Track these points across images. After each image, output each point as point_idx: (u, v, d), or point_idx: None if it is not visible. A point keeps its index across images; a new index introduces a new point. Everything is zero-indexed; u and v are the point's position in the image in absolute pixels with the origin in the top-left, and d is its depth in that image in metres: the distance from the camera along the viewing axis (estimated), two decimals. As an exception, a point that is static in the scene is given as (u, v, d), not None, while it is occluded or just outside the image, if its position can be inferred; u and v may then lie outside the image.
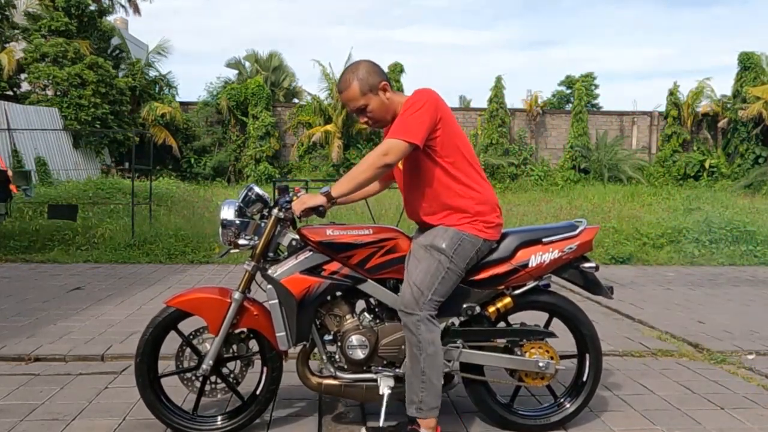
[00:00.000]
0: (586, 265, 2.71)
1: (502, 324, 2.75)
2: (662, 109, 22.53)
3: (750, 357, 3.95)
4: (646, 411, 2.98)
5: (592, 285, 2.73)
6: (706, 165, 21.19)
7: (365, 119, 2.53)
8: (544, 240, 2.63)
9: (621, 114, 22.74)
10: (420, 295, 2.42)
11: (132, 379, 3.24)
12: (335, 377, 2.60)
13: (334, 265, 2.54)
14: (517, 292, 2.65)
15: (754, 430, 2.80)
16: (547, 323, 2.80)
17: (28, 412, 2.87)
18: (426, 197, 2.54)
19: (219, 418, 2.67)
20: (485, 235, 2.53)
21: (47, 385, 3.22)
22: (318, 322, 2.61)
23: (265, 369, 2.66)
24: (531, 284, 2.66)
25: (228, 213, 2.54)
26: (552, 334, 2.74)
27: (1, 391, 3.13)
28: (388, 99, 2.50)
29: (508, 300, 2.64)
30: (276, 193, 2.61)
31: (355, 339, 2.55)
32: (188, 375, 2.60)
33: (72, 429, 2.72)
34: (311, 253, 2.53)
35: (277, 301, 2.50)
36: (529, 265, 2.59)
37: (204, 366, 2.55)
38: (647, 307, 5.19)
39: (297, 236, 2.57)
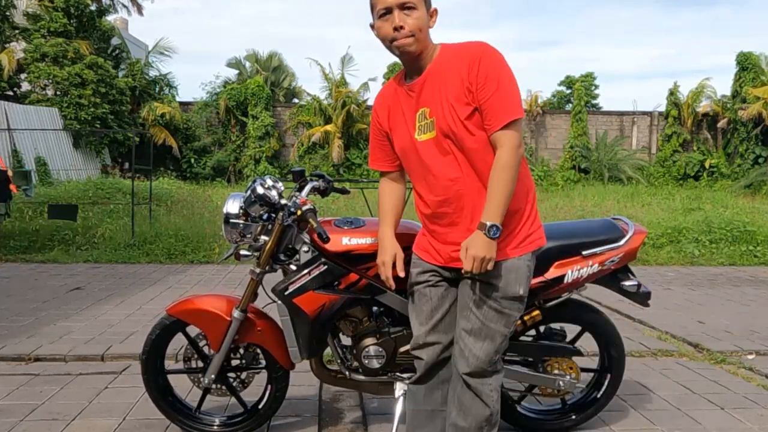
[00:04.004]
0: (627, 283, 2.54)
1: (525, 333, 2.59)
2: (662, 109, 22.55)
3: (750, 357, 3.95)
4: (646, 411, 2.98)
5: (627, 293, 2.58)
6: (706, 165, 21.21)
7: (400, 24, 1.89)
8: (583, 253, 2.39)
9: (621, 114, 22.75)
10: (495, 356, 2.05)
11: (132, 378, 3.26)
12: (348, 377, 2.51)
13: (352, 277, 2.33)
14: (549, 304, 2.48)
15: (754, 430, 2.80)
16: (577, 337, 2.66)
17: (28, 412, 2.87)
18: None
19: (218, 420, 2.65)
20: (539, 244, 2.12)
21: (47, 385, 3.22)
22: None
23: (269, 387, 2.60)
24: (564, 296, 2.49)
25: (232, 207, 2.36)
26: (578, 352, 2.59)
27: (1, 391, 3.13)
28: (431, 26, 1.99)
29: (536, 313, 2.47)
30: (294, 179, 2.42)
31: (372, 350, 2.42)
32: (194, 375, 2.59)
33: (72, 429, 2.71)
34: (326, 267, 2.31)
35: (288, 317, 2.36)
36: (565, 281, 2.38)
37: (205, 380, 2.51)
38: (647, 307, 5.19)
39: (308, 241, 2.34)
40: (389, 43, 1.95)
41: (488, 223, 1.87)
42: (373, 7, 1.96)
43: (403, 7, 1.89)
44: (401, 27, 1.89)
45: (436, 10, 1.99)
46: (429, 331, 2.12)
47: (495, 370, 2.07)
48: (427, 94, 1.98)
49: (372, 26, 2.00)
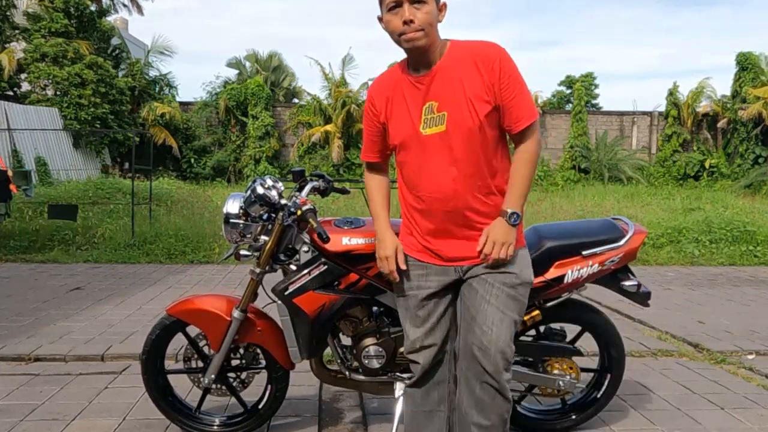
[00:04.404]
0: (627, 283, 2.54)
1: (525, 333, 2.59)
2: (662, 109, 22.55)
3: (750, 357, 3.95)
4: (646, 411, 2.98)
5: (627, 293, 2.58)
6: (706, 165, 21.21)
7: (410, 18, 1.86)
8: (583, 253, 2.41)
9: (621, 114, 22.75)
10: (511, 344, 2.05)
11: (132, 378, 3.26)
12: (348, 377, 2.51)
13: (352, 277, 2.34)
14: (549, 305, 2.49)
15: (754, 430, 2.80)
16: (577, 337, 2.66)
17: (28, 412, 2.87)
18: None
19: (218, 420, 2.65)
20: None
21: (47, 385, 3.22)
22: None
23: (269, 387, 2.60)
24: (564, 296, 2.49)
25: (232, 207, 2.36)
26: (578, 352, 2.60)
27: (1, 391, 3.13)
28: (439, 21, 1.96)
29: (536, 313, 2.48)
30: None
31: (372, 350, 2.42)
32: (194, 375, 2.59)
33: (72, 429, 2.72)
34: (326, 267, 2.31)
35: (288, 317, 2.37)
36: (565, 281, 2.40)
37: (205, 380, 2.51)
38: (647, 307, 5.19)
39: (308, 241, 2.35)
40: (398, 37, 1.93)
41: (509, 210, 1.96)
42: (381, 0, 1.95)
43: (413, 0, 1.87)
44: (411, 21, 1.87)
45: (445, 5, 1.98)
46: (425, 335, 2.12)
47: (511, 362, 2.09)
48: (438, 88, 1.95)
49: (380, 19, 1.98)
